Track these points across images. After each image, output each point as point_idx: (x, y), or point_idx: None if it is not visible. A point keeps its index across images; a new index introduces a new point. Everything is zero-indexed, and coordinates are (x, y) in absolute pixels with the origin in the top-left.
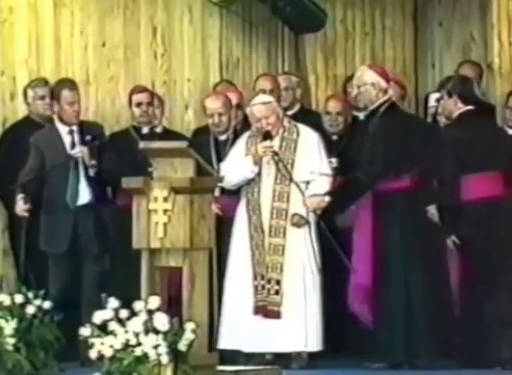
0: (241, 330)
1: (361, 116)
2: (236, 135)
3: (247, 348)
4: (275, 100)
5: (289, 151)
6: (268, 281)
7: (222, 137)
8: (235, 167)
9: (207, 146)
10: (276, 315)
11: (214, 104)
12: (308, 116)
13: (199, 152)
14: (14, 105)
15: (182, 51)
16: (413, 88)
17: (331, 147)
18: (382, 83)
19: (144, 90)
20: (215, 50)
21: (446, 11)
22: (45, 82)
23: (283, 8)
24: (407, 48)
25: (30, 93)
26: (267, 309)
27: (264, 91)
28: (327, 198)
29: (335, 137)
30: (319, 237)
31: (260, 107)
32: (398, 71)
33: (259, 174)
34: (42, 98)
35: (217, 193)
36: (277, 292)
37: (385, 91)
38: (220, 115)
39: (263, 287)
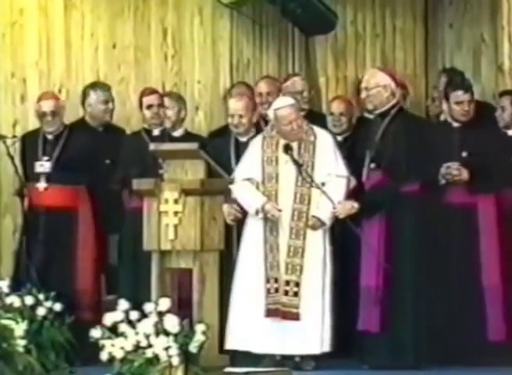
0: (251, 331)
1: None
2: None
3: (257, 349)
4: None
5: (308, 153)
6: (287, 283)
7: (243, 139)
8: (249, 174)
9: (226, 148)
10: (295, 317)
11: (236, 105)
12: (316, 119)
13: (218, 154)
14: (25, 106)
15: (192, 52)
16: (423, 90)
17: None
18: (393, 85)
19: (153, 91)
20: (225, 52)
21: (456, 12)
22: (108, 87)
23: (294, 9)
24: (417, 49)
25: (93, 95)
26: (284, 311)
27: (261, 95)
28: (356, 205)
29: (339, 138)
30: (332, 241)
31: (289, 110)
32: (408, 73)
33: (276, 177)
34: (105, 102)
35: None
36: (296, 294)
37: (394, 94)
38: (240, 116)
39: (276, 290)
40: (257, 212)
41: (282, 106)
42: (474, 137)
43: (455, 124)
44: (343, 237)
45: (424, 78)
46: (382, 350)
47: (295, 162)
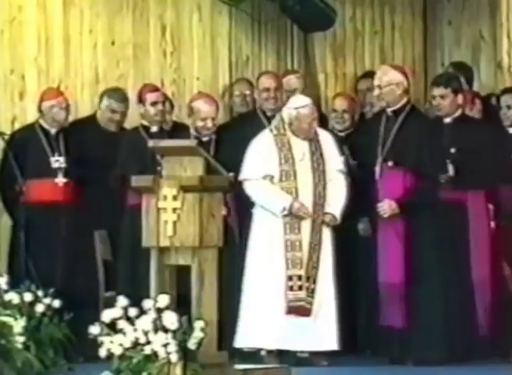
0: (266, 328)
1: (370, 114)
2: (218, 135)
3: (271, 347)
4: None
5: (318, 150)
6: (307, 279)
7: (205, 139)
8: (265, 172)
9: None
10: (308, 312)
11: (210, 108)
12: None
13: None
14: (23, 103)
15: (191, 49)
16: (422, 87)
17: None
18: (406, 83)
19: (157, 88)
20: (224, 48)
21: (455, 9)
22: (124, 99)
23: (292, 6)
24: (416, 46)
25: (105, 101)
26: (300, 307)
27: (268, 90)
28: (398, 209)
29: (342, 134)
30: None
31: (311, 108)
32: None
33: (294, 174)
34: (113, 111)
35: None
36: (312, 290)
37: (407, 92)
38: (213, 119)
39: (300, 288)
40: (283, 210)
41: (305, 105)
42: (463, 133)
43: (446, 120)
44: (346, 233)
45: (423, 75)
46: (405, 345)
47: (347, 162)
